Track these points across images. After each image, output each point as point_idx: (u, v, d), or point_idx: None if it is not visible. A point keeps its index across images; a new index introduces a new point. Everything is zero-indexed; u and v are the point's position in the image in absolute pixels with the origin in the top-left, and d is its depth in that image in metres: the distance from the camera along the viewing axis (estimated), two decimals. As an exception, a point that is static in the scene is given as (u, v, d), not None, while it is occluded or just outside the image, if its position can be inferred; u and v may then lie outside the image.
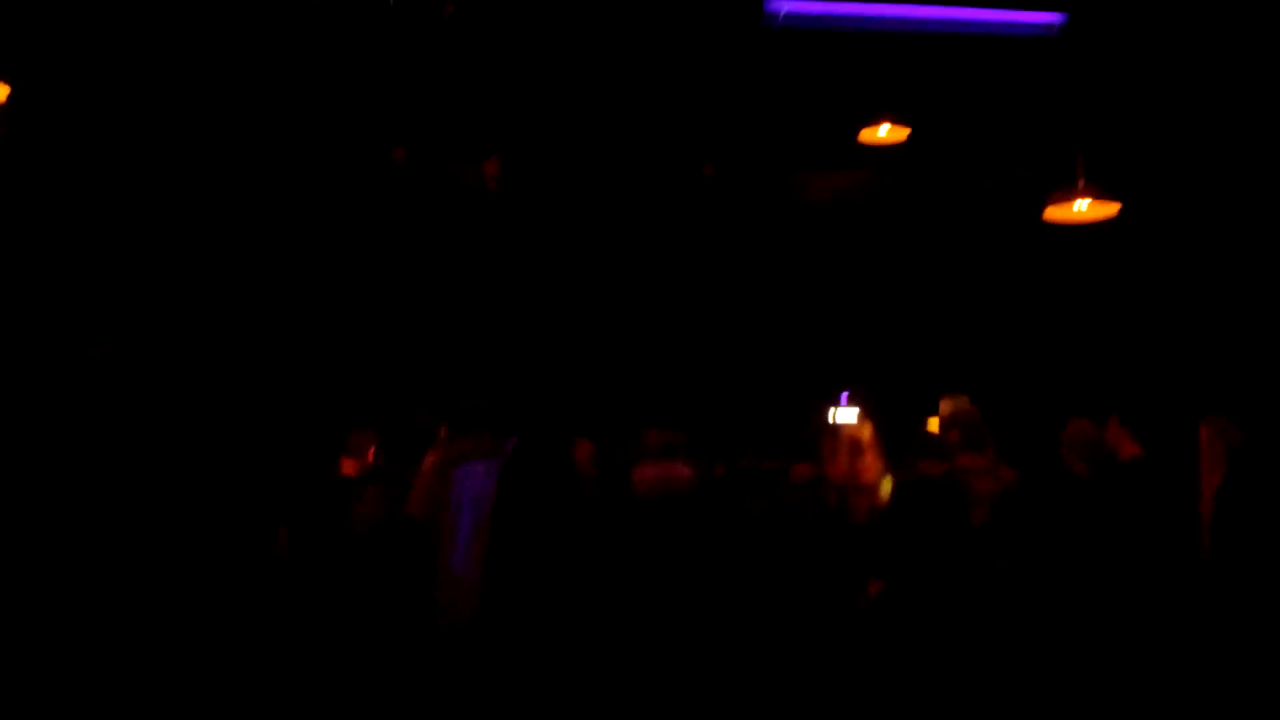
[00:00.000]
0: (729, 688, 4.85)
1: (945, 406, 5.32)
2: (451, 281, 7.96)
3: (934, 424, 6.06)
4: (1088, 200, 6.38)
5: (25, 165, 6.64)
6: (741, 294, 8.06)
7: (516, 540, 4.63)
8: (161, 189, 7.11)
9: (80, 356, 5.95)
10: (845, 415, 6.87)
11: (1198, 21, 5.83)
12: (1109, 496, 5.12)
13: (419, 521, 4.91)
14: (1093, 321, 7.91)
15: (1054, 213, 6.51)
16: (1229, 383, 6.36)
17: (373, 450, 6.07)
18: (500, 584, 4.62)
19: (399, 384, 7.12)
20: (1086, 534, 5.10)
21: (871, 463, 5.73)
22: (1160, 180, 7.06)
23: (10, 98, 5.54)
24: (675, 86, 6.99)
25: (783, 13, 6.19)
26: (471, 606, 4.63)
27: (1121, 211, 6.37)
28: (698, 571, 5.03)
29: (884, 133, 6.86)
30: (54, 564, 5.10)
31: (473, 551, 4.71)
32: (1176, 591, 4.96)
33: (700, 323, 7.88)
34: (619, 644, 4.77)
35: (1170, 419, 5.51)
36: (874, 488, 5.60)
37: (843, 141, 7.02)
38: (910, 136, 6.84)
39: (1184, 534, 5.06)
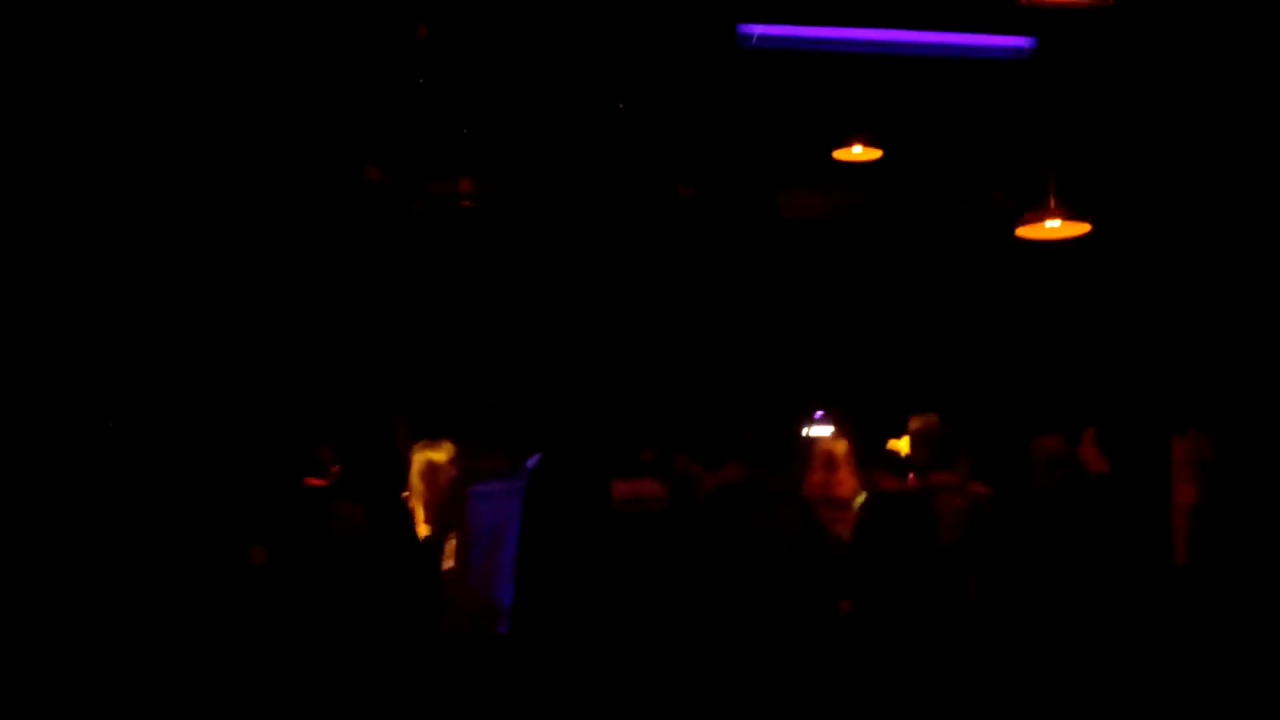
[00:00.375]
0: (702, 704, 4.86)
1: (915, 423, 5.37)
2: (424, 299, 7.98)
3: (896, 443, 6.11)
4: (1058, 220, 6.50)
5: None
6: (717, 311, 8.11)
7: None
8: (134, 203, 7.08)
9: (49, 369, 5.92)
10: (820, 431, 6.91)
11: (1165, 46, 5.93)
12: (1076, 512, 5.18)
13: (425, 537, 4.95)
14: (1065, 339, 8.02)
15: (1026, 231, 6.61)
16: (1201, 398, 6.45)
17: (336, 466, 6.08)
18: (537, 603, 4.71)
19: (370, 398, 7.12)
20: (1055, 549, 5.15)
21: (846, 479, 5.77)
22: (1131, 199, 7.18)
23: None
24: (650, 107, 7.03)
25: (755, 35, 6.24)
26: (477, 622, 4.71)
27: (1093, 230, 6.47)
28: (667, 588, 5.04)
29: (857, 152, 6.95)
30: (24, 578, 5.06)
31: (484, 572, 4.73)
32: (1148, 605, 5.01)
33: (677, 339, 7.92)
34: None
35: (1141, 434, 5.59)
36: (848, 503, 5.64)
37: (817, 161, 7.09)
38: (885, 156, 6.93)
39: (1152, 547, 5.12)
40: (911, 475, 5.32)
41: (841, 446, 5.86)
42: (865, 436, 6.08)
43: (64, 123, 6.47)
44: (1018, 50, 6.22)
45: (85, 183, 6.77)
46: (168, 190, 7.03)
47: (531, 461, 4.94)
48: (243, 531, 5.67)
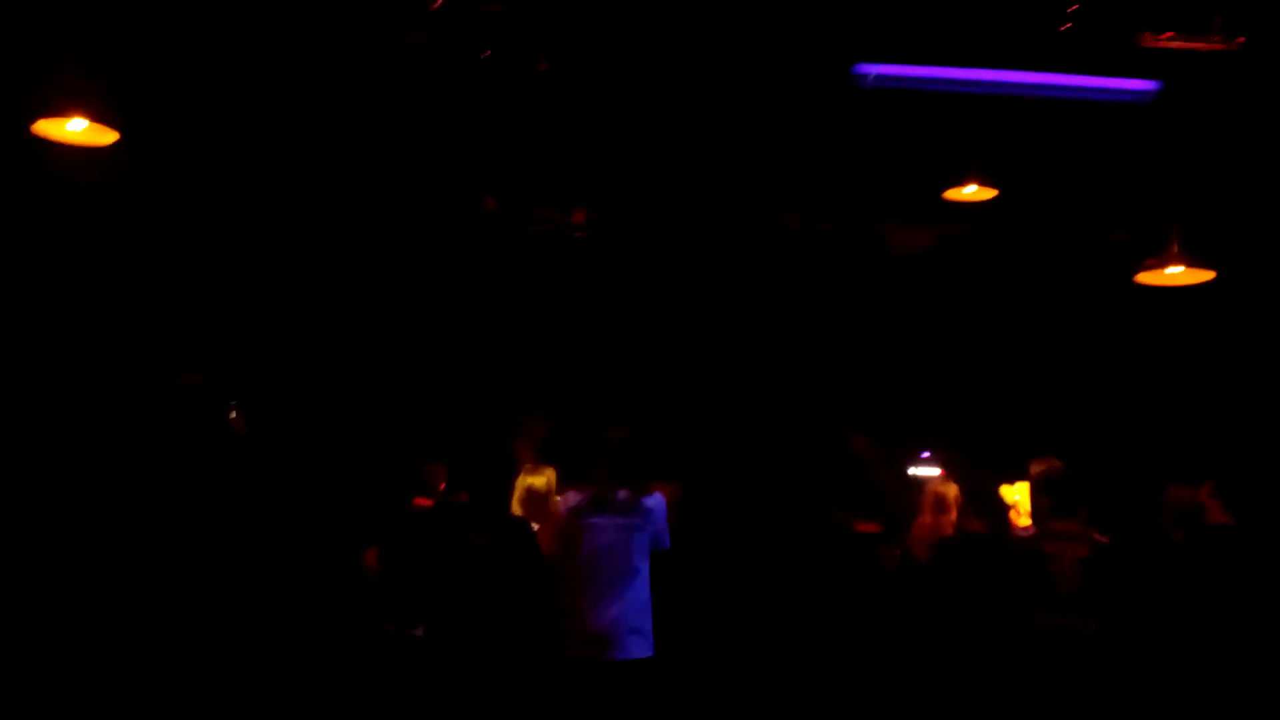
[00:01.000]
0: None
1: (1036, 468, 5.29)
2: (536, 327, 8.10)
3: (1008, 488, 6.04)
4: (1180, 266, 6.38)
5: (124, 207, 6.88)
6: (826, 344, 8.09)
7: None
8: (253, 234, 7.32)
9: (173, 385, 6.12)
10: (928, 472, 6.87)
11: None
12: (1203, 562, 5.08)
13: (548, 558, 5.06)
14: (1184, 384, 7.83)
15: (1147, 277, 6.50)
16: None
17: (444, 484, 6.18)
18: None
19: (477, 420, 7.23)
20: (1179, 599, 5.06)
21: (954, 520, 5.74)
22: (1255, 246, 7.00)
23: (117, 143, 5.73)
24: (765, 142, 7.07)
25: (872, 75, 6.24)
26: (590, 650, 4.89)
27: (1219, 276, 6.34)
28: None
29: (969, 191, 6.89)
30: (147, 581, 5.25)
31: (600, 598, 4.88)
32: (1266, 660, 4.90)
33: (785, 372, 7.91)
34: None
35: (1263, 486, 5.45)
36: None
37: (931, 197, 7.05)
38: (1001, 194, 6.86)
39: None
40: (1031, 522, 5.25)
41: (951, 489, 5.83)
42: (974, 479, 6.03)
43: (192, 159, 6.73)
44: (1142, 93, 6.13)
45: (218, 208, 7.03)
46: (297, 214, 7.26)
47: (651, 499, 5.05)
48: (354, 548, 5.82)
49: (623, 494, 5.00)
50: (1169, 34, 5.57)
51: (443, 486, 6.23)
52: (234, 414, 6.07)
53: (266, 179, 7.12)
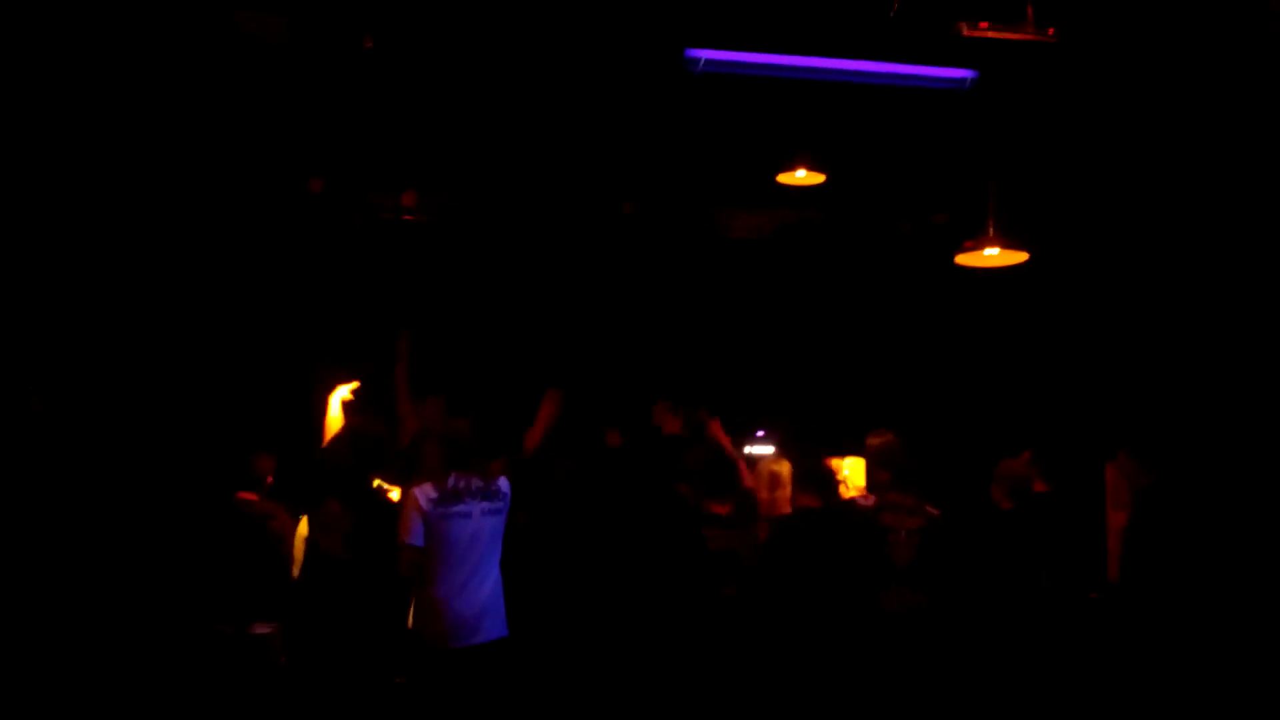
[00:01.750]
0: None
1: (873, 441, 5.42)
2: (367, 312, 7.93)
3: (835, 461, 6.20)
4: (996, 248, 6.64)
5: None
6: (661, 328, 8.16)
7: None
8: (74, 215, 6.99)
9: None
10: (762, 450, 7.00)
11: (1105, 79, 6.08)
12: (1030, 529, 5.32)
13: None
14: (1003, 361, 8.17)
15: (965, 259, 6.74)
16: (1135, 423, 6.61)
17: (271, 477, 6.03)
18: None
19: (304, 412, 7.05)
20: (1010, 566, 5.28)
21: (789, 497, 5.85)
22: (1067, 228, 7.34)
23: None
24: (596, 126, 7.07)
25: (702, 60, 6.30)
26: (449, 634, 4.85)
27: (1032, 257, 6.62)
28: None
29: (801, 176, 7.04)
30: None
31: (467, 584, 4.89)
32: (1085, 621, 5.15)
33: (618, 356, 7.95)
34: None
35: (1078, 458, 5.73)
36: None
37: (762, 182, 7.18)
38: (828, 179, 7.03)
39: (1088, 566, 5.26)
40: (870, 493, 5.38)
41: (784, 466, 5.94)
42: (806, 455, 6.16)
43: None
44: (960, 81, 6.34)
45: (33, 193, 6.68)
46: (121, 196, 6.96)
47: (504, 483, 5.05)
48: (172, 541, 5.61)
49: (477, 481, 4.99)
50: (985, 24, 5.79)
51: (270, 480, 6.07)
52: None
53: (89, 161, 6.79)
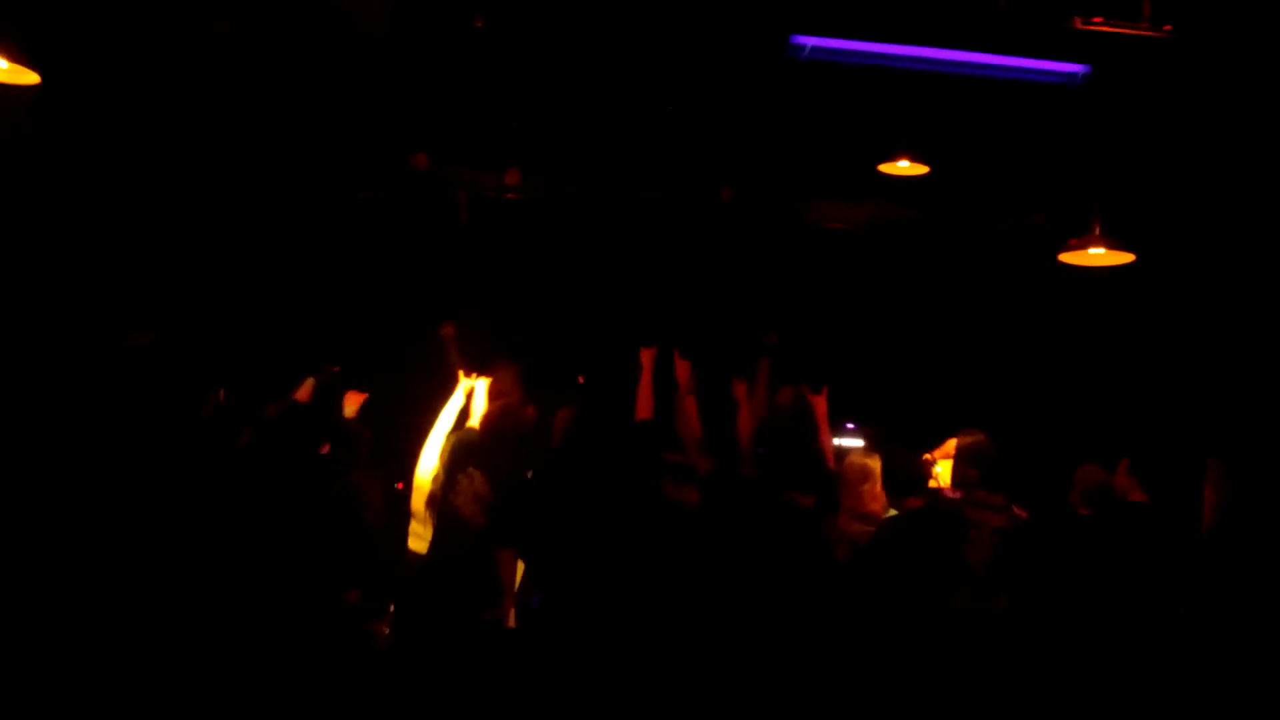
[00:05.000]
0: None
1: (964, 440, 5.36)
2: (462, 289, 8.03)
3: (932, 457, 6.14)
4: (1102, 248, 6.51)
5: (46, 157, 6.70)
6: (756, 317, 8.13)
7: None
8: (173, 191, 7.19)
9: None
10: (852, 444, 6.95)
11: (1220, 78, 5.94)
12: (1113, 539, 5.21)
13: None
14: (1104, 364, 8.01)
15: (1069, 257, 6.62)
16: (1237, 431, 6.44)
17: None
18: None
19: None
20: (1089, 575, 5.18)
21: (878, 493, 5.81)
22: (1175, 231, 7.17)
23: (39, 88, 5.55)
24: (699, 111, 7.08)
25: (808, 47, 6.27)
26: None
27: (1137, 260, 6.48)
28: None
29: (903, 167, 6.97)
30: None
31: None
32: (1177, 638, 5.04)
33: (713, 343, 7.94)
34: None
35: (1179, 467, 5.60)
36: (878, 518, 5.67)
37: (860, 173, 7.12)
38: (931, 172, 6.94)
39: (1191, 577, 5.13)
40: (957, 490, 5.33)
41: (875, 461, 5.89)
42: (896, 452, 6.11)
43: (107, 110, 6.56)
44: (1071, 76, 6.23)
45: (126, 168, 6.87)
46: (214, 182, 7.15)
47: None
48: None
49: None
50: (1099, 18, 5.68)
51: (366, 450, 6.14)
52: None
53: (190, 134, 6.98)
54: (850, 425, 7.48)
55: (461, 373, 5.85)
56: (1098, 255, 6.56)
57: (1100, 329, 8.02)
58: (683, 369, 5.80)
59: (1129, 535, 5.30)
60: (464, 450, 5.41)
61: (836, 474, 5.70)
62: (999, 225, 7.83)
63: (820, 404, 5.96)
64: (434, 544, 5.40)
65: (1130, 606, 5.10)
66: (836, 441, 7.24)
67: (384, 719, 4.99)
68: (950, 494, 5.30)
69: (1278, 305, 6.89)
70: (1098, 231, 6.47)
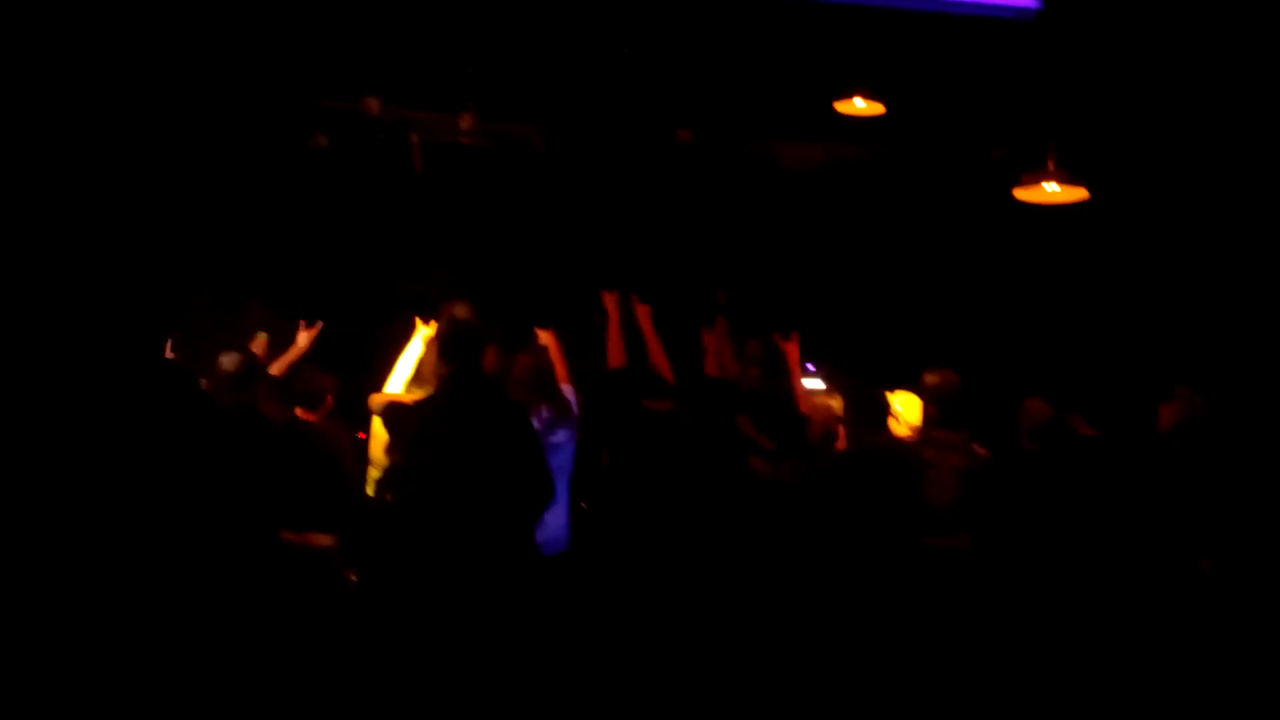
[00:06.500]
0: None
1: (931, 379, 5.41)
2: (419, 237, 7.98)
3: (894, 396, 6.20)
4: (1056, 184, 6.56)
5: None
6: (712, 258, 8.15)
7: None
8: (121, 140, 7.06)
9: None
10: (813, 385, 6.99)
11: (1172, 12, 5.97)
12: (1063, 474, 5.26)
13: None
14: (1061, 299, 8.10)
15: (1024, 194, 6.67)
16: (1192, 365, 6.55)
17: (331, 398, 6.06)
18: None
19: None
20: (1042, 511, 5.25)
21: (840, 431, 5.87)
22: (1132, 166, 7.23)
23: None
24: (653, 51, 7.03)
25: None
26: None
27: (1093, 195, 6.54)
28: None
29: (859, 105, 6.97)
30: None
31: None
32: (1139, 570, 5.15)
33: (670, 285, 7.94)
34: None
35: (1133, 399, 5.69)
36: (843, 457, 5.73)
37: (818, 113, 7.11)
38: (887, 111, 6.95)
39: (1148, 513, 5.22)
40: (917, 430, 5.40)
41: (835, 401, 5.95)
42: (857, 389, 6.16)
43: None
44: (1023, 11, 6.24)
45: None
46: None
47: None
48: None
49: (549, 411, 5.11)
50: (1052, -49, 5.68)
51: (330, 401, 6.12)
52: None
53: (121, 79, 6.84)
54: (811, 367, 7.53)
55: (418, 321, 5.79)
56: (1053, 192, 6.61)
57: (1059, 266, 8.10)
58: (644, 314, 5.81)
59: (1079, 470, 5.36)
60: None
61: (807, 418, 5.76)
62: (960, 161, 7.84)
63: (792, 350, 6.00)
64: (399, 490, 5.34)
65: (1086, 542, 5.20)
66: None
67: (357, 664, 5.01)
68: (908, 434, 5.36)
69: (1233, 242, 6.99)
70: (1052, 167, 6.52)
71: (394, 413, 5.00)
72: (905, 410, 5.86)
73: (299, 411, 5.88)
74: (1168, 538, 5.15)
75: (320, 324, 6.08)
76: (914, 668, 4.84)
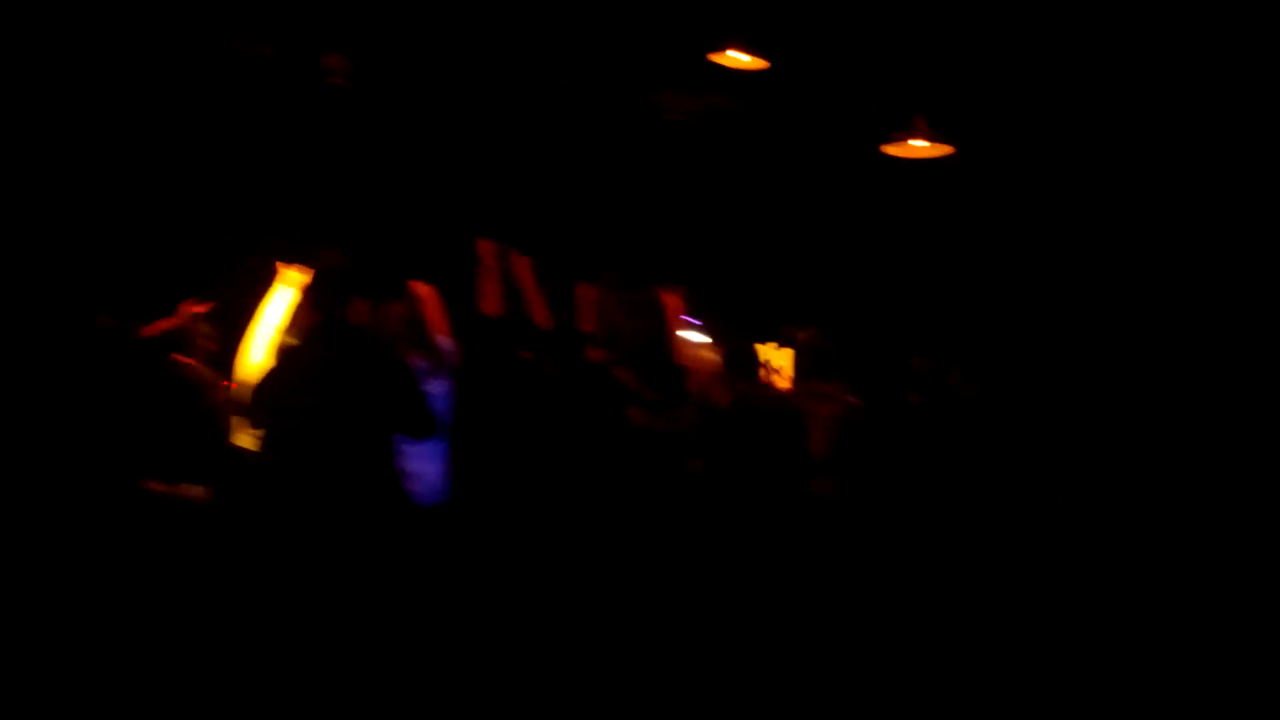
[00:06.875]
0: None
1: (800, 335, 5.58)
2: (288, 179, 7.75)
3: (767, 348, 6.32)
4: (924, 140, 6.72)
5: None
6: (591, 208, 8.11)
7: None
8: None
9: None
10: (692, 338, 7.05)
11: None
12: (945, 427, 5.49)
13: None
14: (935, 254, 8.29)
15: (894, 149, 6.81)
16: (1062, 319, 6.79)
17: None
18: None
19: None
20: (918, 462, 5.47)
21: (719, 383, 5.96)
22: (1000, 122, 7.39)
23: None
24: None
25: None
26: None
27: (960, 151, 6.70)
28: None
29: (737, 58, 6.99)
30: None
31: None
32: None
33: (549, 234, 7.90)
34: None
35: (1001, 355, 5.90)
36: (721, 408, 5.83)
37: (696, 65, 7.12)
38: (762, 65, 6.99)
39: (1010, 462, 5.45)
40: (791, 382, 5.55)
41: (715, 353, 6.04)
42: (735, 342, 6.26)
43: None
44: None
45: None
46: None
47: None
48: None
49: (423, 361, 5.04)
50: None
51: (211, 346, 5.97)
52: None
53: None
54: (691, 319, 7.58)
55: (280, 265, 5.64)
56: (920, 148, 6.76)
57: (930, 221, 8.28)
58: (523, 265, 5.78)
59: (956, 425, 5.59)
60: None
61: (684, 369, 5.84)
62: (832, 117, 7.92)
63: (668, 301, 6.05)
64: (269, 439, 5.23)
65: (958, 491, 5.42)
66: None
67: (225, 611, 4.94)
68: (786, 386, 5.51)
69: (1096, 197, 7.21)
70: (919, 124, 6.66)
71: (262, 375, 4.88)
72: (780, 363, 6.00)
73: (176, 356, 5.74)
74: (1029, 479, 5.41)
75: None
76: (798, 613, 5.00)
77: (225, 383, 6.06)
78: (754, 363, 6.02)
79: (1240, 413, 6.26)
